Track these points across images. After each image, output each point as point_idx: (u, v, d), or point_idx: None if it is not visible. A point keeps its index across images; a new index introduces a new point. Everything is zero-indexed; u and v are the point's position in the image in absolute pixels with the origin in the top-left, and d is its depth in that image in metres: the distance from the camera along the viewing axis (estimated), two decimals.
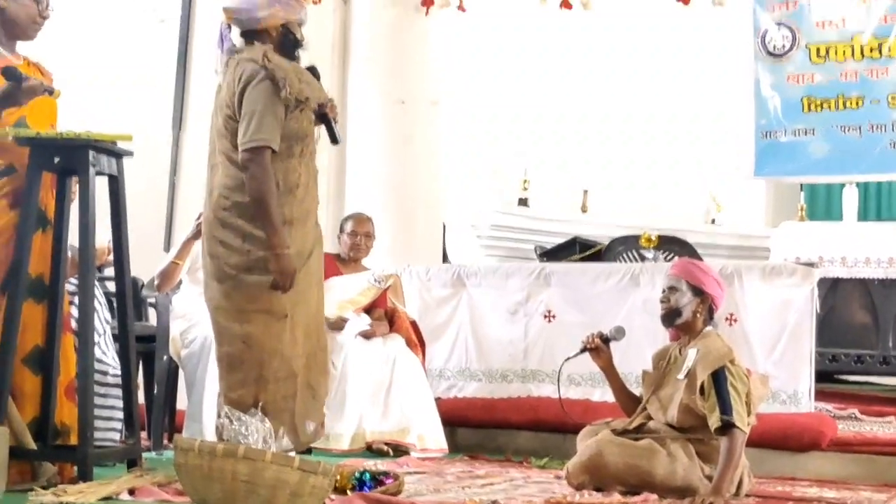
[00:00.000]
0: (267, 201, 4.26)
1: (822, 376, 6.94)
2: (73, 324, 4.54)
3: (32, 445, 4.19)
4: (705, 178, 11.04)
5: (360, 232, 6.47)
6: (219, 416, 4.26)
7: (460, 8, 8.53)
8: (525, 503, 4.34)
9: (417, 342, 6.39)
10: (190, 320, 5.99)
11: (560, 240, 9.14)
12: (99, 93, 7.74)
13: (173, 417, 6.17)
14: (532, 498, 4.47)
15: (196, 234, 6.05)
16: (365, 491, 4.18)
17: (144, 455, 4.76)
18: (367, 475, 4.34)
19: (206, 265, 4.43)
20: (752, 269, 6.24)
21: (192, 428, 5.69)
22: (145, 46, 8.06)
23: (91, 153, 4.18)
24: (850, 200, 8.52)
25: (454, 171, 9.61)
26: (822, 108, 8.15)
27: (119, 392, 4.93)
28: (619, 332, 4.86)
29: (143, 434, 5.44)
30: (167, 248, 7.44)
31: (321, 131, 4.60)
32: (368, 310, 6.39)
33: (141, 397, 5.25)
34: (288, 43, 4.46)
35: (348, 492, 4.20)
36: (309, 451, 5.55)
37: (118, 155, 4.36)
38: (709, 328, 4.65)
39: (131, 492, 4.06)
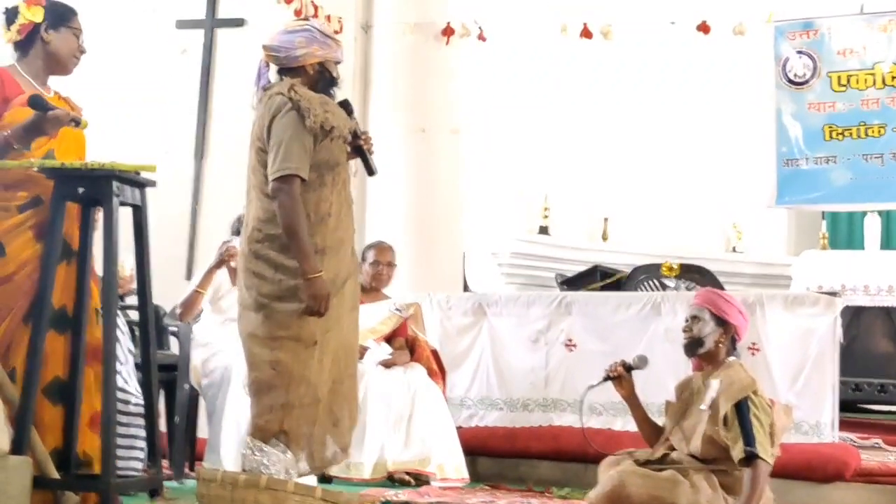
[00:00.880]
0: (296, 229, 4.31)
1: (845, 406, 6.90)
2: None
3: (55, 475, 4.20)
4: (726, 206, 11.01)
5: (381, 261, 6.48)
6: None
7: (480, 37, 8.57)
8: None
9: (438, 371, 6.38)
10: (211, 349, 6.00)
11: (581, 268, 9.13)
12: (122, 122, 7.79)
13: (194, 446, 6.17)
14: None
15: (218, 264, 6.08)
16: None
17: (166, 484, 4.76)
18: None
19: (241, 297, 4.49)
20: (775, 299, 6.21)
21: (212, 458, 5.69)
22: (168, 77, 8.12)
23: (115, 184, 4.20)
24: (873, 229, 8.50)
25: (474, 200, 9.61)
26: (843, 136, 8.14)
27: (141, 421, 4.93)
28: (642, 361, 4.84)
29: (165, 463, 5.45)
30: (189, 276, 7.47)
31: (357, 164, 4.69)
32: (389, 339, 6.39)
33: (162, 426, 5.26)
34: (324, 80, 4.55)
35: None
36: (330, 479, 5.56)
37: (142, 185, 4.38)
38: (732, 358, 4.63)
39: None
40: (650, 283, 8.09)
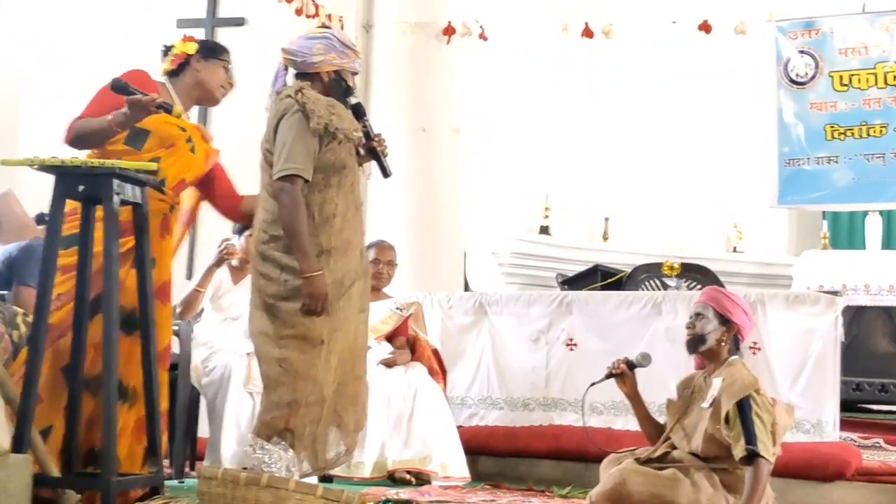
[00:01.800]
0: (295, 228, 4.35)
1: (846, 405, 6.90)
2: None
3: (55, 473, 4.19)
4: (728, 206, 11.01)
5: (382, 260, 6.47)
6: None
7: (482, 36, 8.57)
8: None
9: (439, 370, 6.38)
10: (211, 348, 6.00)
11: (581, 267, 9.12)
12: None
13: (195, 445, 6.17)
14: None
15: (218, 262, 6.09)
16: None
17: (167, 483, 4.75)
18: None
19: (251, 297, 4.56)
20: (776, 298, 6.20)
21: (212, 457, 5.69)
22: None
23: (115, 181, 4.20)
24: (874, 228, 8.49)
25: (475, 199, 9.61)
26: (845, 136, 8.13)
27: None
28: (646, 359, 4.83)
29: (166, 462, 5.44)
30: (189, 275, 7.46)
31: (372, 166, 4.75)
32: (390, 338, 6.39)
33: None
34: (339, 88, 4.60)
35: None
36: (330, 479, 5.55)
37: (142, 183, 4.38)
38: (734, 357, 4.63)
39: None
40: (651, 282, 8.08)
